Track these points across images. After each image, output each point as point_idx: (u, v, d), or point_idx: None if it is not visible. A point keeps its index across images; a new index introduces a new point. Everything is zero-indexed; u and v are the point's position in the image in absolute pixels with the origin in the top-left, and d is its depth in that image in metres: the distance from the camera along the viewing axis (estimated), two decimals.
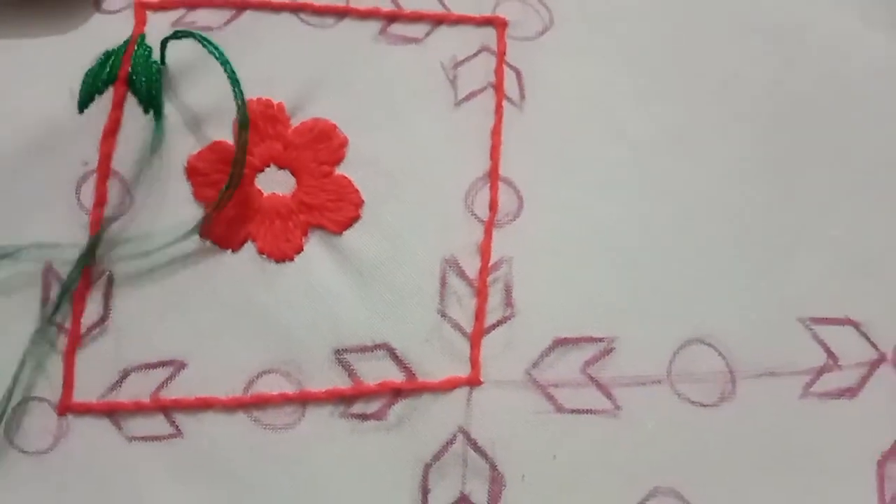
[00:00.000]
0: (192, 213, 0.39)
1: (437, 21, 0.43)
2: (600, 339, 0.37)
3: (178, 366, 0.37)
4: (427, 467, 0.35)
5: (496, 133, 0.40)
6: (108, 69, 0.40)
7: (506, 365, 0.36)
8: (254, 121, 0.40)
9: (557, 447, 0.36)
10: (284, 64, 0.41)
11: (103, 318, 0.37)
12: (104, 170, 0.39)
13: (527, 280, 0.38)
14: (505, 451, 0.35)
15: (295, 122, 0.40)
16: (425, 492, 0.35)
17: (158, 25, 0.41)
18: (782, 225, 0.40)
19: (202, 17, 0.42)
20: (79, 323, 0.37)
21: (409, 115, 0.41)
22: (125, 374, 0.36)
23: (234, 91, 0.37)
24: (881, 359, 0.37)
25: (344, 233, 0.38)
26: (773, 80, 0.43)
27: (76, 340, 0.37)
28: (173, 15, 0.42)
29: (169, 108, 0.40)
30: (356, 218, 0.39)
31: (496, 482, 0.35)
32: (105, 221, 0.38)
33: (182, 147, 0.40)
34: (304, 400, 0.36)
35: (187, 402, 0.36)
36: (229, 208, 0.38)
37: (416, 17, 0.43)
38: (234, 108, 0.38)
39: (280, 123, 0.40)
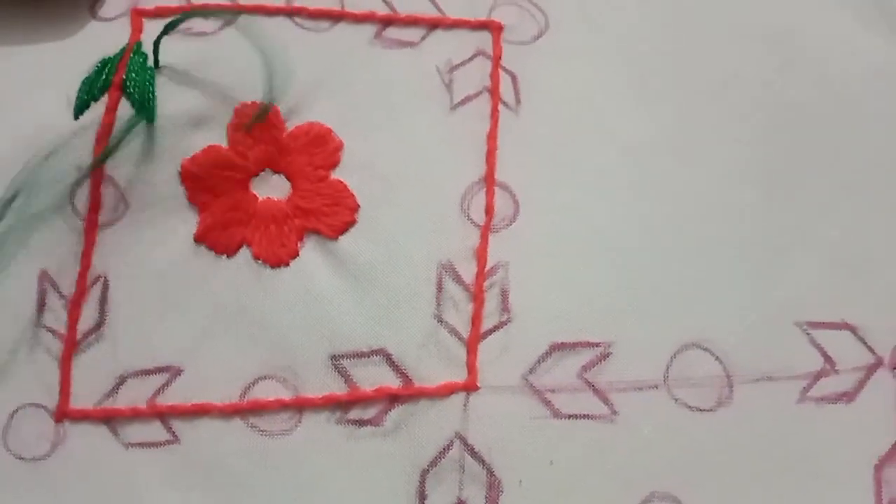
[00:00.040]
0: (187, 217, 0.38)
1: (433, 25, 0.43)
2: (597, 344, 0.37)
3: (175, 372, 0.36)
4: (424, 473, 0.35)
5: (492, 137, 0.40)
6: (104, 77, 0.39)
7: (502, 370, 0.36)
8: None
9: (554, 452, 0.35)
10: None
11: (99, 324, 0.37)
12: (98, 174, 0.39)
13: (523, 285, 0.38)
14: (502, 457, 0.35)
15: (290, 127, 0.40)
16: (422, 497, 0.35)
17: (154, 33, 0.40)
18: (779, 228, 0.40)
19: (197, 24, 0.42)
20: (75, 329, 0.37)
21: (404, 119, 0.41)
22: (122, 381, 0.36)
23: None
24: (878, 363, 0.37)
25: (339, 237, 0.38)
26: (769, 82, 0.42)
27: (72, 346, 0.37)
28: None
29: (163, 113, 0.40)
30: (352, 222, 0.39)
31: (493, 488, 0.35)
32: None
33: (176, 151, 0.39)
34: (300, 406, 0.36)
35: (184, 408, 0.36)
36: (224, 213, 0.38)
37: (411, 21, 0.43)
38: (227, 112, 0.38)
39: (275, 128, 0.40)
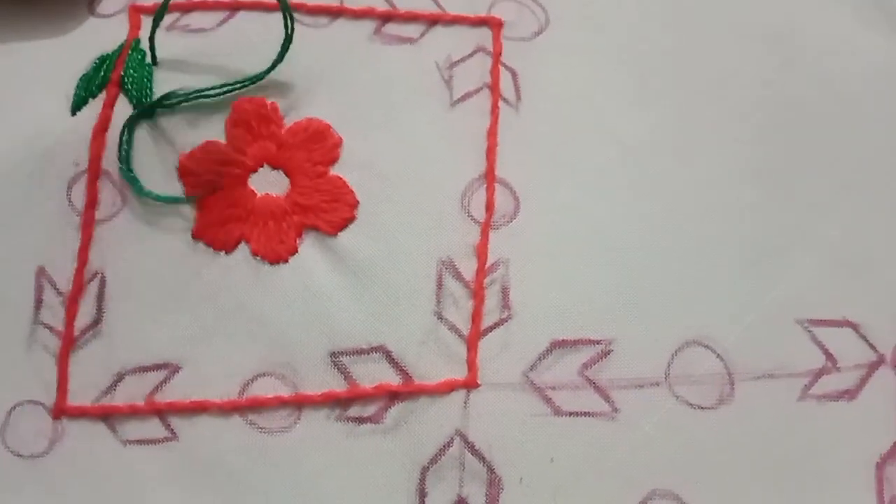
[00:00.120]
0: (185, 213, 0.38)
1: (432, 21, 0.43)
2: (598, 342, 0.37)
3: (173, 369, 0.36)
4: (424, 470, 0.35)
5: (492, 134, 0.40)
6: (102, 73, 0.39)
7: (503, 367, 0.36)
8: (247, 121, 0.40)
9: (555, 450, 0.35)
10: None
11: (97, 321, 0.37)
12: (95, 170, 0.39)
13: (524, 282, 0.38)
14: (502, 454, 0.35)
15: (289, 123, 0.40)
16: (422, 495, 0.35)
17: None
18: (780, 226, 0.39)
19: (196, 20, 0.42)
20: (72, 326, 0.37)
21: (404, 115, 0.40)
22: (119, 378, 0.36)
23: None
24: (880, 360, 0.37)
25: (339, 234, 0.38)
26: (770, 81, 0.42)
27: (70, 343, 0.37)
28: (167, 18, 0.41)
29: (160, 109, 0.40)
30: (351, 219, 0.38)
31: (494, 485, 0.35)
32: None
33: (174, 147, 0.39)
34: (299, 403, 0.36)
35: (182, 405, 0.36)
36: (223, 209, 0.38)
37: (410, 17, 0.43)
38: (225, 108, 0.38)
39: (273, 123, 0.40)
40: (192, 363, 0.36)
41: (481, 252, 0.38)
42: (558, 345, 0.37)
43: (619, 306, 0.37)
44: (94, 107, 0.39)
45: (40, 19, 0.42)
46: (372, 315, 0.37)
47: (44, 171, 0.39)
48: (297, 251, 0.38)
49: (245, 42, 0.41)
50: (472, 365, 0.36)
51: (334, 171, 0.39)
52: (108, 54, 0.40)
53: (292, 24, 0.39)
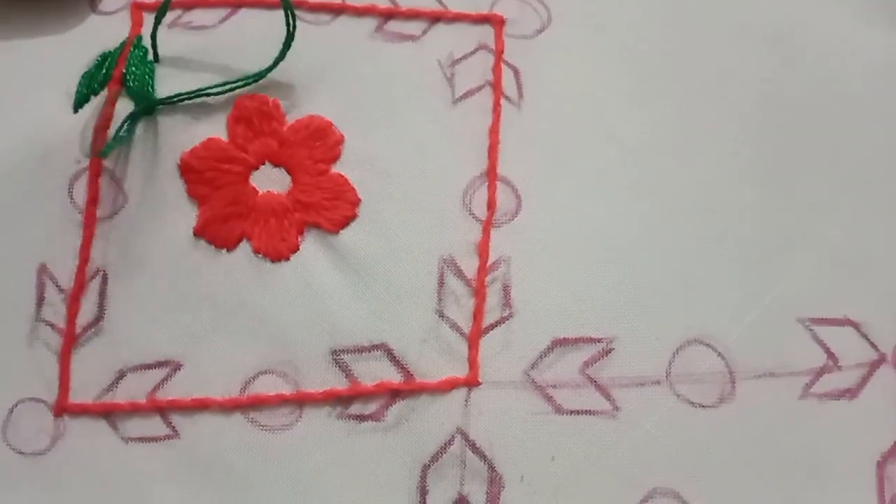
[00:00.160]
0: (187, 210, 0.38)
1: (435, 18, 0.43)
2: (599, 340, 0.37)
3: (174, 366, 0.36)
4: (425, 468, 0.35)
5: (494, 132, 0.40)
6: (104, 71, 0.39)
7: (504, 365, 0.36)
8: (248, 118, 0.40)
9: (556, 448, 0.35)
10: None
11: (98, 318, 0.37)
12: (96, 167, 0.39)
13: (525, 280, 0.38)
14: (503, 452, 0.35)
15: (290, 120, 0.40)
16: (423, 493, 0.35)
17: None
18: (782, 225, 0.39)
19: (198, 17, 0.42)
20: (74, 323, 0.37)
21: (405, 113, 0.40)
22: (121, 375, 0.36)
23: None
24: (881, 359, 0.37)
25: (340, 232, 0.38)
26: (771, 79, 0.42)
27: (71, 341, 0.37)
28: (169, 15, 0.41)
29: (162, 106, 0.40)
30: (352, 217, 0.38)
31: (495, 483, 0.35)
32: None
33: (175, 144, 0.39)
34: (300, 401, 0.36)
35: (184, 402, 0.36)
36: (224, 207, 0.38)
37: (412, 15, 0.42)
38: (227, 105, 0.38)
39: (275, 121, 0.40)
40: (193, 361, 0.36)
41: (483, 250, 0.38)
42: (559, 343, 0.37)
43: (620, 305, 0.37)
44: (96, 104, 0.39)
45: (42, 16, 0.42)
46: (373, 313, 0.37)
47: (45, 169, 0.39)
48: (298, 249, 0.38)
49: (247, 39, 0.41)
50: (473, 363, 0.36)
51: (336, 168, 0.39)
52: (109, 51, 0.40)
53: (294, 22, 0.39)
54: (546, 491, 0.35)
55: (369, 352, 0.36)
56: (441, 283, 0.37)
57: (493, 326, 0.37)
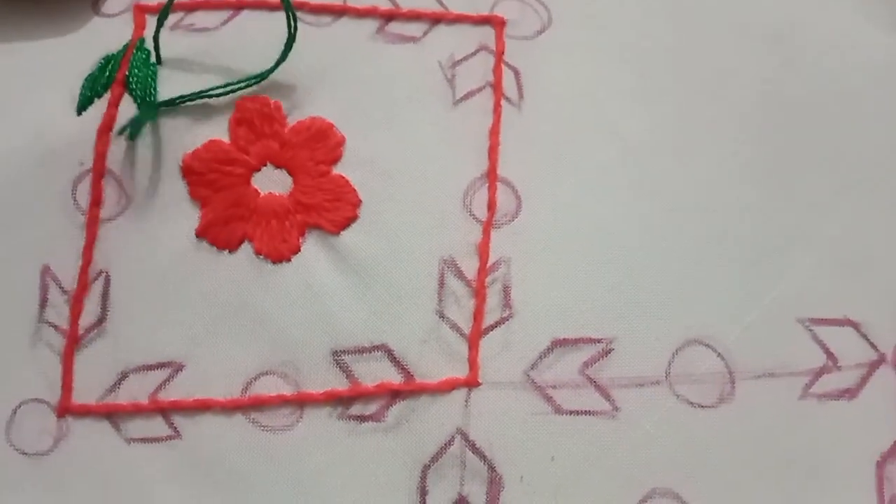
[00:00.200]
0: (189, 212, 0.38)
1: (435, 20, 0.43)
2: (599, 340, 0.37)
3: (176, 367, 0.36)
4: (425, 469, 0.35)
5: (494, 133, 0.40)
6: (107, 73, 0.39)
7: (504, 366, 0.36)
8: (250, 120, 0.40)
9: (556, 448, 0.35)
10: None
11: (101, 320, 0.37)
12: (99, 168, 0.39)
13: (525, 281, 0.38)
14: (503, 453, 0.35)
15: (292, 122, 0.40)
16: (423, 493, 0.35)
17: None
18: (781, 225, 0.39)
19: (200, 19, 0.42)
20: (76, 324, 0.37)
21: (406, 114, 0.40)
22: (123, 376, 0.36)
23: None
24: (881, 360, 0.37)
25: (341, 233, 0.38)
26: (771, 79, 0.42)
27: (74, 342, 0.37)
28: (172, 18, 0.41)
29: (164, 108, 0.40)
30: (353, 218, 0.39)
31: (494, 483, 0.35)
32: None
33: (177, 146, 0.39)
34: (301, 401, 0.36)
35: (185, 403, 0.36)
36: (226, 208, 0.38)
37: (413, 16, 0.43)
38: (229, 107, 0.38)
39: (277, 122, 0.40)
40: (195, 362, 0.37)
41: (483, 251, 0.38)
42: (559, 343, 0.37)
43: (619, 305, 0.37)
44: (99, 106, 0.39)
45: (45, 19, 0.42)
46: (374, 314, 0.37)
47: (49, 171, 0.39)
48: (299, 250, 0.38)
49: (248, 41, 0.41)
50: (473, 363, 0.36)
51: (337, 170, 0.39)
52: (112, 54, 0.40)
53: (295, 24, 0.39)
54: (546, 491, 0.35)
55: (370, 352, 0.36)
56: (441, 284, 0.37)
57: (493, 327, 0.37)
